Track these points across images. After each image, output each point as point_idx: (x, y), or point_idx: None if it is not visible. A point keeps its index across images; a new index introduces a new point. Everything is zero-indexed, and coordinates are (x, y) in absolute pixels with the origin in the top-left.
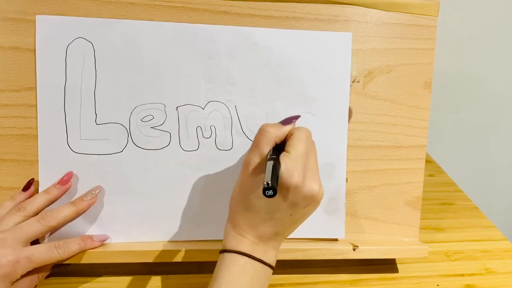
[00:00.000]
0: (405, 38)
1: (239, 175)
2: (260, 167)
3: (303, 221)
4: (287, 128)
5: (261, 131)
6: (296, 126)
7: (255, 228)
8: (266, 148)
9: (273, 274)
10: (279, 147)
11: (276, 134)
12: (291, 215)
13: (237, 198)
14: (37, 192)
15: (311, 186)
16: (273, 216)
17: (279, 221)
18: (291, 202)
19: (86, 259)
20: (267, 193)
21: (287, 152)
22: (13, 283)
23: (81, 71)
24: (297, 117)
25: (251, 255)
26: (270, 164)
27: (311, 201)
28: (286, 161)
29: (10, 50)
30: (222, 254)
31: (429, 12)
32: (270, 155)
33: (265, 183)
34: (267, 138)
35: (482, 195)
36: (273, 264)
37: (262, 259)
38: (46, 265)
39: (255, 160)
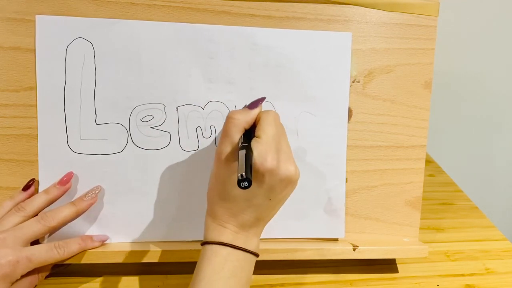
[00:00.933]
0: (405, 38)
1: (213, 167)
2: (233, 156)
3: (282, 204)
4: (255, 112)
5: (229, 119)
6: (264, 110)
7: (235, 217)
8: (236, 135)
9: (273, 274)
10: (249, 132)
11: (245, 119)
12: (270, 200)
13: (214, 190)
14: (37, 192)
15: (286, 168)
16: (252, 203)
17: (259, 207)
18: (268, 187)
19: (86, 259)
20: (242, 184)
21: (257, 137)
22: (13, 283)
23: (81, 71)
24: (262, 99)
25: (233, 245)
26: (242, 153)
27: (288, 183)
28: (258, 147)
29: (10, 50)
30: (204, 247)
31: (429, 12)
32: (241, 143)
33: (238, 175)
34: (236, 125)
35: (482, 195)
36: (257, 251)
37: (245, 247)
38: (46, 265)
39: (227, 149)
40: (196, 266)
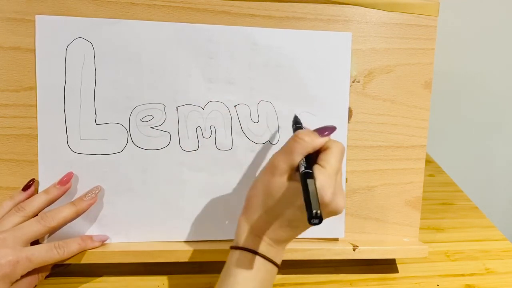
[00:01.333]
0: (405, 38)
1: (262, 175)
2: (288, 175)
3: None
4: (323, 140)
5: (297, 139)
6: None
7: (273, 232)
8: (298, 157)
9: None
10: (310, 157)
11: (312, 145)
12: (308, 225)
13: (258, 199)
14: (37, 192)
15: (338, 203)
16: (292, 224)
17: (297, 229)
18: None
19: (86, 259)
20: (313, 221)
21: (321, 166)
22: (13, 283)
23: (81, 71)
24: (333, 129)
25: (267, 257)
26: (312, 187)
27: (333, 215)
28: (321, 178)
29: (10, 50)
30: (239, 251)
31: (429, 12)
32: (303, 167)
33: (314, 212)
34: (302, 147)
35: (482, 195)
36: (280, 263)
37: (274, 260)
38: (46, 265)
39: (284, 166)
40: (225, 268)
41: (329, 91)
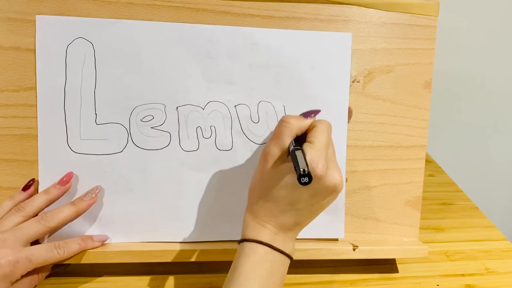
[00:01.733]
0: (405, 38)
1: (258, 166)
2: (281, 158)
3: (321, 211)
4: (309, 120)
5: (283, 122)
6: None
7: (276, 218)
8: (288, 139)
9: None
10: (299, 140)
11: (298, 125)
12: (312, 205)
13: (257, 188)
14: (37, 192)
15: (334, 176)
16: (294, 206)
17: (300, 212)
18: (313, 193)
19: (86, 259)
20: (303, 180)
21: (310, 142)
22: (13, 283)
23: (81, 71)
24: (317, 111)
25: (271, 245)
26: (299, 153)
27: (332, 192)
28: (311, 152)
29: (10, 50)
30: (242, 244)
31: (429, 12)
32: (293, 146)
33: (301, 169)
34: (289, 129)
35: (482, 195)
36: (292, 254)
37: (282, 249)
38: (46, 265)
39: (275, 151)
40: (233, 262)
41: (329, 91)
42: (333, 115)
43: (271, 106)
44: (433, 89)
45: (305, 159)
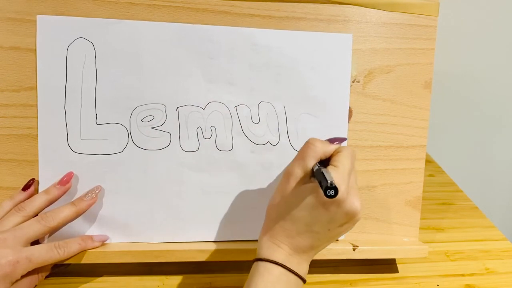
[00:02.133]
0: (405, 38)
1: (279, 185)
2: (303, 180)
3: (337, 238)
4: (334, 146)
5: (309, 145)
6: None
7: (292, 239)
8: (312, 161)
9: None
10: (323, 164)
11: (323, 149)
12: (329, 230)
13: (276, 207)
14: (37, 192)
15: (353, 203)
16: (311, 228)
17: (316, 235)
18: (331, 217)
19: (86, 259)
20: (329, 192)
21: (334, 166)
22: (13, 283)
23: (82, 71)
24: (343, 139)
25: (286, 266)
26: (325, 170)
27: (351, 219)
28: (334, 174)
29: (10, 50)
30: (256, 263)
31: (429, 12)
32: (318, 167)
33: (329, 182)
34: (314, 151)
35: (482, 195)
36: (305, 277)
37: (296, 271)
38: (46, 265)
39: (298, 172)
40: (247, 281)
41: (329, 91)
42: (333, 115)
43: (272, 106)
44: (433, 89)
45: (330, 174)
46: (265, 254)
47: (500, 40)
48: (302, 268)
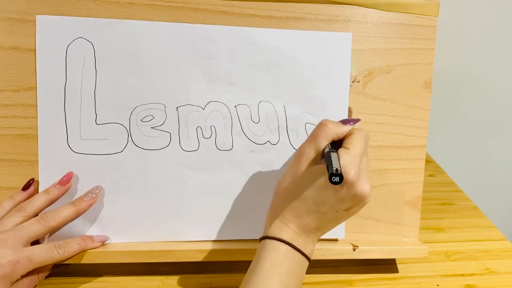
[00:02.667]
0: (405, 38)
1: (290, 165)
2: (314, 160)
3: (344, 220)
4: (347, 127)
5: (321, 125)
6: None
7: (300, 218)
8: (324, 142)
9: None
10: (335, 145)
11: (336, 131)
12: (336, 211)
13: (286, 186)
14: (37, 192)
15: (363, 186)
16: (319, 208)
17: (324, 215)
18: (340, 198)
19: (86, 259)
20: (334, 179)
21: (345, 148)
22: (13, 283)
23: (81, 71)
24: (357, 120)
25: (292, 244)
26: (334, 155)
27: (359, 201)
28: (345, 157)
29: (10, 50)
30: (263, 241)
31: (429, 12)
32: (329, 148)
33: (334, 168)
34: (326, 132)
35: (482, 195)
36: (311, 257)
37: (302, 250)
38: (46, 265)
39: (311, 152)
40: (254, 259)
41: (329, 91)
42: (333, 115)
43: (271, 106)
44: (433, 89)
45: (339, 161)
46: (273, 232)
47: (500, 40)
48: (308, 247)
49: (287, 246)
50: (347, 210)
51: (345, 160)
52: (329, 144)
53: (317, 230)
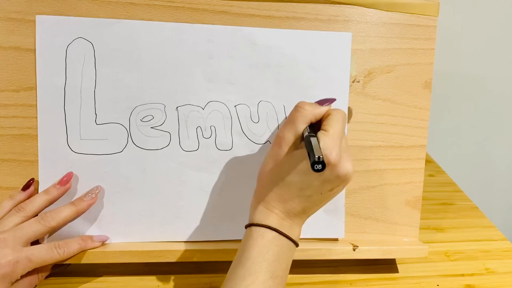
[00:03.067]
0: (405, 38)
1: (270, 150)
2: (294, 144)
3: (329, 201)
4: (324, 108)
5: (298, 108)
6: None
7: (284, 203)
8: (302, 125)
9: None
10: (313, 127)
11: (313, 112)
12: (321, 193)
13: (268, 172)
14: (37, 192)
15: (346, 166)
16: (303, 192)
17: (309, 198)
18: (324, 180)
19: (86, 259)
20: (316, 167)
21: (324, 131)
22: (13, 283)
23: (81, 71)
24: (332, 99)
25: (278, 230)
26: (314, 140)
27: (343, 181)
28: (325, 140)
29: (10, 50)
30: (249, 228)
31: (429, 12)
32: (308, 133)
33: (316, 156)
34: (304, 115)
35: (482, 195)
36: (298, 241)
37: (289, 235)
38: (46, 265)
39: (289, 136)
40: (240, 246)
41: (329, 91)
42: None
43: (271, 106)
44: (433, 89)
45: (319, 146)
46: (258, 219)
47: (500, 40)
48: (294, 231)
49: (274, 232)
50: (331, 190)
51: (326, 143)
52: (308, 127)
53: (303, 213)
